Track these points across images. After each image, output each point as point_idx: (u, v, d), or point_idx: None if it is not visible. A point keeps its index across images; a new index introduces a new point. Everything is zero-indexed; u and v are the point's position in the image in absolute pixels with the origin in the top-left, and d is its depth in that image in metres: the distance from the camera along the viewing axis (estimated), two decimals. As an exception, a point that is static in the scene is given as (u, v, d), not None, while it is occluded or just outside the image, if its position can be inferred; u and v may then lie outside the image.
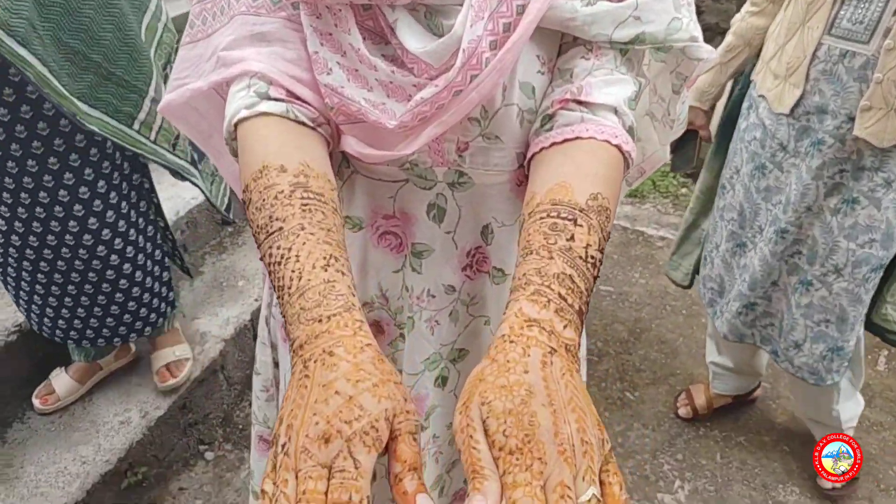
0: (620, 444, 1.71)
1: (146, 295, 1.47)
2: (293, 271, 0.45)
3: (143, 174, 1.42)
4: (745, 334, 1.49)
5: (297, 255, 0.45)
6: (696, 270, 1.63)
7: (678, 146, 1.62)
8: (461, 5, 0.54)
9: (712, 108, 1.52)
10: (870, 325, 1.39)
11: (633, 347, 2.02)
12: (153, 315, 1.51)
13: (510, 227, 0.69)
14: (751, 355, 1.64)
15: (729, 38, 1.40)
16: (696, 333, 2.06)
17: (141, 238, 1.42)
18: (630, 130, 0.57)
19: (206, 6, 0.63)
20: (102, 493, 1.43)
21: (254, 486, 0.98)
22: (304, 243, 0.46)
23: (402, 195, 0.66)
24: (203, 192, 1.47)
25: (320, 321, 0.42)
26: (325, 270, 0.45)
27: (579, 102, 0.57)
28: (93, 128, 1.17)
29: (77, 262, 1.33)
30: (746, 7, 1.37)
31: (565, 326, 0.43)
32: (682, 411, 1.77)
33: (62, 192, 1.25)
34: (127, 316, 1.46)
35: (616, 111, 0.56)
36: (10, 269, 1.34)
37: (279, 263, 0.46)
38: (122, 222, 1.35)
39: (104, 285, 1.38)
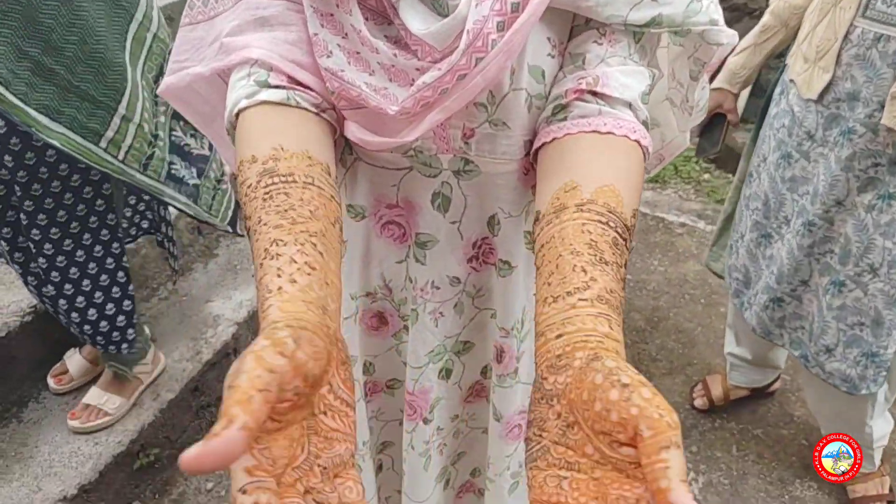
0: (634, 435, 1.68)
1: (100, 309, 1.42)
2: (261, 277, 0.42)
3: (97, 190, 1.33)
4: (773, 333, 1.43)
5: (260, 259, 0.42)
6: None
7: (705, 129, 1.57)
8: None
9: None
10: None
11: (650, 336, 1.98)
12: (114, 334, 1.45)
13: (517, 217, 0.67)
14: (769, 348, 1.59)
15: (765, 17, 1.34)
16: (714, 323, 2.02)
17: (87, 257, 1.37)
18: (644, 123, 0.54)
19: None
20: (115, 474, 1.44)
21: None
22: (256, 240, 0.43)
23: (406, 183, 0.64)
24: (184, 210, 1.37)
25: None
26: (261, 266, 0.41)
27: (595, 94, 0.54)
28: (54, 142, 1.12)
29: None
30: None
31: None
32: (698, 402, 1.74)
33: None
34: (87, 326, 1.42)
35: (631, 105, 0.54)
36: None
37: (259, 267, 0.43)
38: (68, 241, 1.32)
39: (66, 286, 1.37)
